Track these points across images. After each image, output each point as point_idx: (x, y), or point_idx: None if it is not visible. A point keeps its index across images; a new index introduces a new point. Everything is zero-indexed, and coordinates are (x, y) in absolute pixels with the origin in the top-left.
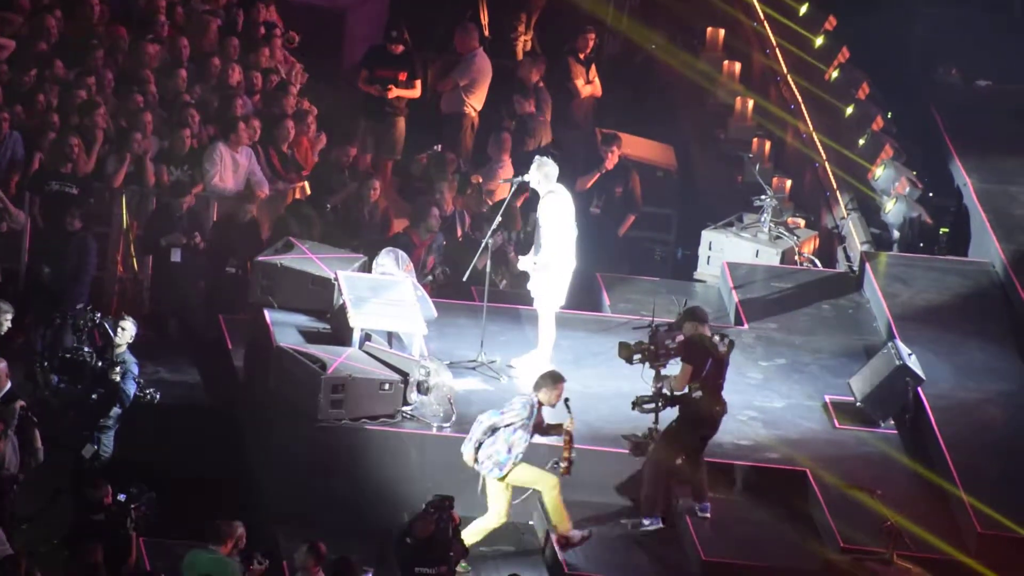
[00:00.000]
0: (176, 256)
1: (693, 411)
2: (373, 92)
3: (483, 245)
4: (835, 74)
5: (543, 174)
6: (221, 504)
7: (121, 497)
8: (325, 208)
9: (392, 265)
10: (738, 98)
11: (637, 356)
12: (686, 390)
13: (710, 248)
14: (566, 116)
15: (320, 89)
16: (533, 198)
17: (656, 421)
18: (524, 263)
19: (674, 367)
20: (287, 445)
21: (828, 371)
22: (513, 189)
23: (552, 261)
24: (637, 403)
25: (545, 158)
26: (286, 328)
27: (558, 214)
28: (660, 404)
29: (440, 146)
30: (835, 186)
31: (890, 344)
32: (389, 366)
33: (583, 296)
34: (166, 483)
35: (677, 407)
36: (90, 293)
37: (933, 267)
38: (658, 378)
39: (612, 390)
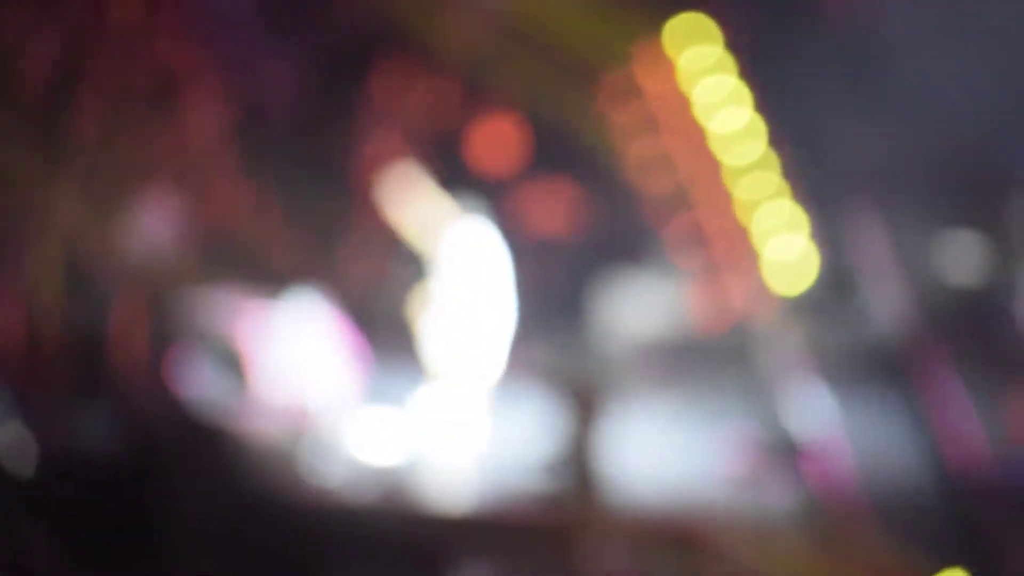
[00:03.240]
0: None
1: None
2: None
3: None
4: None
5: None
6: (129, 567)
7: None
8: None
9: (296, 319)
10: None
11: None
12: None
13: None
14: None
15: None
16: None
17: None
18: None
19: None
20: (195, 507)
21: (722, 425)
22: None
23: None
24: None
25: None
26: (196, 386)
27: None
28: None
29: None
30: (732, 236)
31: (782, 397)
32: (292, 424)
33: None
34: (71, 541)
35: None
36: None
37: (829, 316)
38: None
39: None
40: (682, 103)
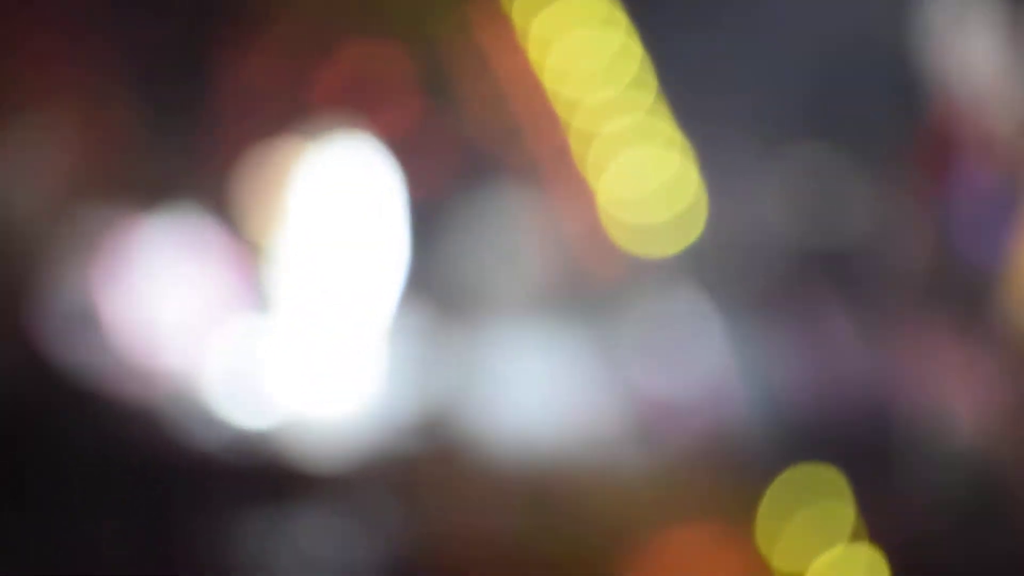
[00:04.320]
0: None
1: None
2: None
3: None
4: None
5: None
6: None
7: None
8: None
9: (170, 245)
10: None
11: None
12: None
13: None
14: None
15: None
16: None
17: None
18: None
19: None
20: (61, 471)
21: (599, 374)
22: None
23: None
24: None
25: None
26: (60, 341)
27: None
28: None
29: None
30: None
31: (661, 343)
32: (161, 381)
33: None
34: None
35: None
36: None
37: (709, 254)
38: None
39: None
40: (529, 37)
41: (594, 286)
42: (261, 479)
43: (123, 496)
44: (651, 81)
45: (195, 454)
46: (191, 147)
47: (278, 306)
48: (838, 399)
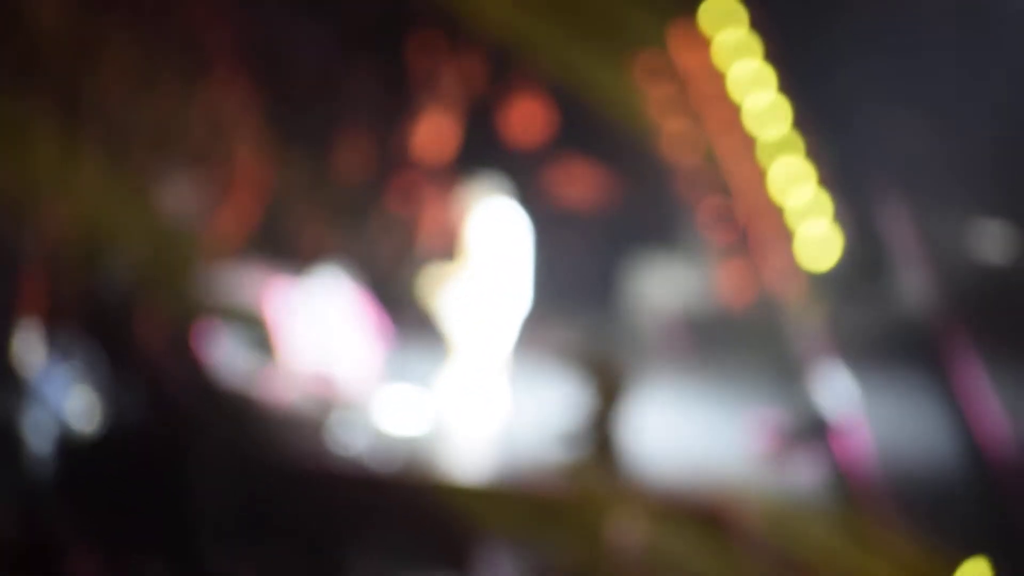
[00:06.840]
0: None
1: None
2: None
3: None
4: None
5: None
6: (152, 534)
7: None
8: None
9: (322, 294)
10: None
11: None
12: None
13: None
14: None
15: None
16: None
17: None
18: None
19: None
20: (218, 475)
21: (747, 404)
22: None
23: None
24: None
25: None
26: (223, 357)
27: None
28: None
29: None
30: (762, 213)
31: (808, 376)
32: (317, 394)
33: None
34: (95, 511)
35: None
36: None
37: (856, 296)
38: None
39: None
40: (716, 82)
41: (755, 321)
42: (410, 488)
43: (276, 499)
44: (801, 139)
45: (347, 461)
46: (347, 207)
47: (436, 330)
48: (984, 441)
